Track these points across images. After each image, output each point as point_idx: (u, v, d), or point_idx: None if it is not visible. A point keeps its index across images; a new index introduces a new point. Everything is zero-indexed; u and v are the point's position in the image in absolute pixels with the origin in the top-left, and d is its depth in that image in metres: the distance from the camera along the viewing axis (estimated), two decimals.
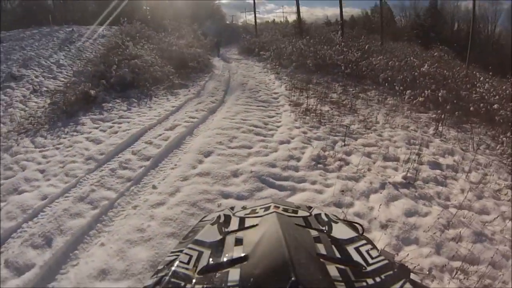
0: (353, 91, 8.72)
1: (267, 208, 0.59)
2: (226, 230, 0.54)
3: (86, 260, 2.90)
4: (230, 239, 0.50)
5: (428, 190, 4.02)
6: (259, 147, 4.70)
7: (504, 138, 6.11)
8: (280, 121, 5.94)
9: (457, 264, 2.92)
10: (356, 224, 1.36)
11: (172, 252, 0.52)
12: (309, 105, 6.77)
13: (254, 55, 15.46)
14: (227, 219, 0.59)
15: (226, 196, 3.55)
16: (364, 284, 0.41)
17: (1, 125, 6.46)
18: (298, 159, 4.41)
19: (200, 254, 0.47)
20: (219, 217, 0.61)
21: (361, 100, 8.03)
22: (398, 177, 4.15)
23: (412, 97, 7.98)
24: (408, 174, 4.17)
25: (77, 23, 16.70)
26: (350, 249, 0.49)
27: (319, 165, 4.28)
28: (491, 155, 5.63)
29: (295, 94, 7.81)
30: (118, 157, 4.54)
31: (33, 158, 4.84)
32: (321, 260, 0.43)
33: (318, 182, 3.91)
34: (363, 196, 3.73)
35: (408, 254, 2.97)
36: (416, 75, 9.08)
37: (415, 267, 2.82)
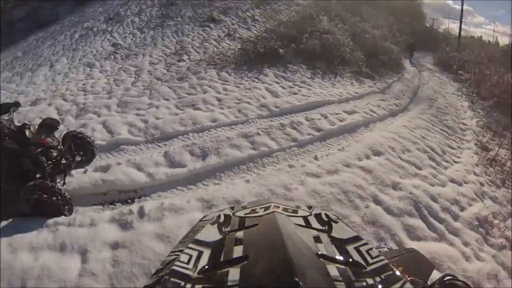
0: None
1: (267, 208, 0.62)
2: (226, 230, 0.57)
3: (228, 186, 3.39)
4: (230, 239, 0.52)
5: None
6: (428, 172, 4.48)
7: None
8: (459, 157, 5.49)
9: None
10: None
11: (172, 252, 0.55)
12: (499, 155, 5.98)
13: (450, 72, 14.23)
14: (227, 218, 0.62)
15: (377, 202, 3.52)
16: (364, 284, 0.43)
17: (196, 53, 8.08)
18: (462, 209, 4.04)
19: (200, 253, 0.50)
20: (219, 216, 0.63)
21: None
22: None
23: None
24: None
25: None
26: (350, 249, 0.51)
27: (480, 229, 3.85)
28: None
29: (486, 136, 7.07)
30: (291, 116, 4.95)
31: (214, 87, 5.81)
32: (321, 260, 0.45)
33: (470, 246, 3.54)
34: None
35: None
36: None
37: None
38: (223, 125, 4.52)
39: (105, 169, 3.68)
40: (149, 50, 8.81)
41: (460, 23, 21.53)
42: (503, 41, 27.43)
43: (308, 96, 5.74)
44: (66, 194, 3.08)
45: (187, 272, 0.46)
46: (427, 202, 3.82)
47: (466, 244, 3.54)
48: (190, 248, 0.52)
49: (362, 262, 0.48)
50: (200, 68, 6.82)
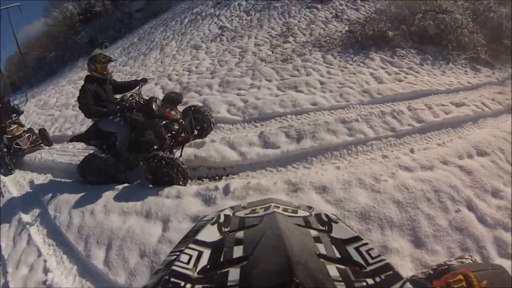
0: None
1: (267, 208, 0.61)
2: (226, 230, 0.56)
3: (318, 170, 3.40)
4: (230, 239, 0.51)
5: None
6: None
7: None
8: None
9: None
10: None
11: (172, 252, 0.54)
12: None
13: None
14: (227, 219, 0.61)
15: (470, 208, 3.12)
16: (364, 284, 0.42)
17: (302, 35, 7.95)
18: None
19: (200, 254, 0.49)
20: (219, 216, 0.62)
21: None
22: None
23: None
24: None
25: None
26: (350, 249, 0.50)
27: None
28: None
29: None
30: (393, 104, 4.68)
31: (318, 70, 5.74)
32: (321, 260, 0.44)
33: None
34: None
35: None
36: None
37: None
38: (323, 109, 4.51)
39: (199, 145, 3.99)
40: (255, 32, 9.00)
41: None
42: None
43: (414, 84, 5.27)
44: (184, 165, 3.44)
45: (187, 272, 0.45)
46: None
47: None
48: (190, 248, 0.51)
49: (362, 262, 0.48)
50: (305, 50, 6.76)
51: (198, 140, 4.10)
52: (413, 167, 3.45)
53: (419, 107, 4.59)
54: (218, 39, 9.27)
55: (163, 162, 3.30)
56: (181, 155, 3.68)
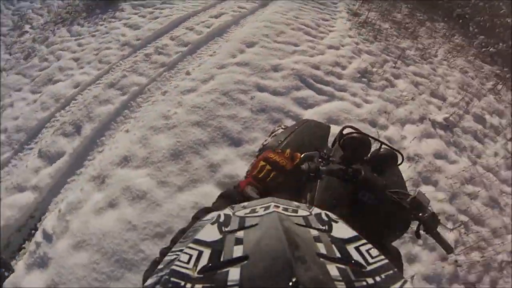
0: (420, 17, 7.98)
1: (267, 208, 0.58)
2: (226, 229, 0.52)
3: (111, 146, 2.93)
4: (230, 239, 0.48)
5: (464, 141, 4.10)
6: (306, 46, 4.39)
7: None
8: (334, 26, 5.46)
9: (463, 218, 3.16)
10: (397, 153, 1.35)
11: (172, 252, 0.51)
12: (369, 18, 6.19)
13: None
14: (227, 218, 0.57)
15: (261, 89, 3.38)
16: (364, 283, 0.41)
17: (39, 17, 6.52)
18: (344, 67, 4.23)
19: (200, 253, 0.46)
20: (219, 216, 0.58)
21: (425, 28, 7.33)
22: (439, 117, 4.17)
23: (483, 44, 7.41)
24: (450, 118, 4.19)
25: None
26: (350, 248, 0.48)
27: (363, 79, 4.15)
28: None
29: (356, 3, 7.15)
30: (155, 43, 4.31)
31: (68, 47, 4.79)
32: (321, 259, 0.42)
33: (358, 95, 3.85)
34: (399, 123, 3.74)
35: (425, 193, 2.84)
36: (497, 23, 8.12)
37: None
38: (87, 85, 3.79)
39: None
40: None
41: None
42: None
43: (171, 15, 4.99)
44: None
45: (187, 272, 0.42)
46: (311, 71, 3.81)
47: (354, 95, 3.78)
48: (190, 247, 0.47)
49: (362, 261, 0.44)
50: (47, 33, 5.54)
51: None
52: (195, 86, 3.34)
53: (181, 33, 4.37)
54: None
55: None
56: None
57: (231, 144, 2.84)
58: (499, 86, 5.93)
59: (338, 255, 0.45)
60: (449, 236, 2.94)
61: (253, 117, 3.08)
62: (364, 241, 0.51)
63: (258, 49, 3.98)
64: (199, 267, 0.43)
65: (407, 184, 3.04)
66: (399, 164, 1.45)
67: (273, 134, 1.89)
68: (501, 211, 3.50)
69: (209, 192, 2.48)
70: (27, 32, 6.04)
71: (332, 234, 0.52)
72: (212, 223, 0.56)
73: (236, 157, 2.75)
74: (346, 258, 0.45)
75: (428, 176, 3.34)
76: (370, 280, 0.41)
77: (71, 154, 3.02)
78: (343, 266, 0.42)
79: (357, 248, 0.49)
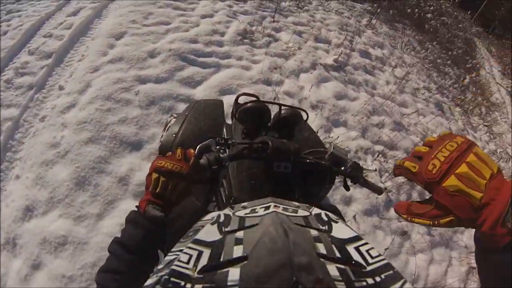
0: None
1: (267, 208, 0.60)
2: (226, 229, 0.54)
3: (6, 202, 2.50)
4: (230, 239, 0.50)
5: (357, 77, 4.30)
6: (179, 22, 4.25)
7: (430, 46, 6.98)
8: None
9: (379, 148, 3.39)
10: (301, 111, 1.31)
11: (171, 252, 0.52)
12: None
13: None
14: (227, 218, 0.59)
15: (143, 81, 3.25)
16: (364, 283, 0.42)
17: None
18: (222, 34, 4.20)
19: (200, 253, 0.47)
20: (219, 216, 0.60)
21: None
22: (329, 60, 4.29)
23: None
24: (339, 58, 4.36)
25: None
26: (350, 248, 0.50)
27: (245, 40, 4.16)
28: (416, 57, 6.29)
29: None
30: (13, 63, 3.71)
31: None
32: (321, 259, 0.43)
33: (244, 58, 3.84)
34: (293, 75, 3.78)
35: (338, 137, 3.26)
36: None
37: (345, 148, 3.09)
38: None
39: None
40: None
41: None
42: None
43: (21, 25, 4.26)
44: None
45: (187, 272, 0.43)
46: (189, 47, 3.76)
47: (240, 58, 3.82)
48: (190, 247, 0.48)
49: (362, 262, 0.46)
50: None
51: None
52: (73, 100, 3.06)
53: (39, 44, 3.82)
54: None
55: None
56: None
57: (132, 150, 2.72)
58: (373, 21, 6.45)
59: (338, 255, 0.46)
60: (375, 176, 3.18)
61: (144, 113, 2.96)
62: (364, 241, 0.52)
63: (128, 39, 3.76)
64: (199, 267, 0.44)
65: (320, 132, 3.31)
66: (306, 120, 1.39)
67: (167, 127, 1.79)
68: (407, 131, 3.87)
69: (130, 207, 2.29)
70: None
71: (332, 234, 0.53)
72: (212, 223, 0.57)
73: (142, 162, 2.66)
74: (346, 258, 0.46)
75: (337, 119, 3.50)
76: (370, 280, 0.42)
77: None
78: (343, 266, 0.43)
79: (357, 248, 0.50)
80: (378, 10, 7.04)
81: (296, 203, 0.67)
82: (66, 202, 2.38)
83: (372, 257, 0.48)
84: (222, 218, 0.60)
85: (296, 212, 0.61)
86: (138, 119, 2.91)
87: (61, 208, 2.35)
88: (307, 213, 0.61)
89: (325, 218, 0.61)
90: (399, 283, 0.43)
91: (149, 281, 0.44)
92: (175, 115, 1.99)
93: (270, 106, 1.30)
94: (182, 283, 0.41)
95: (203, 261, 0.45)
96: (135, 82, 3.20)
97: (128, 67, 3.36)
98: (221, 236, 0.52)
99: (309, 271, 0.39)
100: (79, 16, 4.36)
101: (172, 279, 0.42)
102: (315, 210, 0.64)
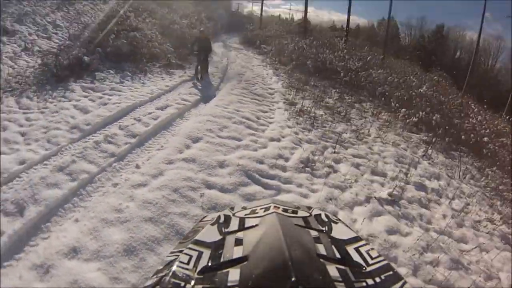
0: (349, 100, 8.78)
1: (267, 209, 0.60)
2: (226, 230, 0.55)
3: (58, 234, 2.77)
4: (230, 239, 0.50)
5: (412, 211, 4.12)
6: (249, 140, 4.67)
7: (490, 172, 6.40)
8: (273, 118, 5.94)
9: None
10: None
11: (172, 252, 0.53)
12: (304, 106, 6.79)
13: (255, 47, 15.34)
14: (227, 219, 0.60)
15: (210, 186, 3.51)
16: (364, 284, 0.42)
17: None
18: (287, 159, 4.40)
19: (200, 254, 0.48)
20: (219, 217, 0.62)
21: (355, 110, 8.07)
22: (383, 193, 4.25)
23: (406, 116, 8.13)
24: (394, 192, 4.28)
25: None
26: (350, 249, 0.50)
27: (307, 169, 4.30)
28: (475, 186, 5.77)
29: (291, 93, 7.84)
30: (105, 130, 4.47)
31: (15, 119, 4.69)
32: (321, 260, 0.44)
33: (304, 185, 3.93)
34: (348, 207, 3.78)
35: None
36: (413, 95, 9.24)
37: None
38: (34, 164, 3.72)
39: None
40: None
41: (262, 5, 24.04)
42: (298, 16, 31.66)
43: (119, 103, 5.29)
44: None
45: (187, 272, 0.43)
46: (255, 167, 4.02)
47: (300, 185, 3.94)
48: (190, 248, 0.49)
49: (362, 262, 0.47)
50: None
51: None
52: (145, 181, 3.46)
53: (129, 123, 4.64)
54: None
55: None
56: None
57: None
58: (429, 151, 6.30)
59: (338, 256, 0.46)
60: None
61: (204, 215, 3.10)
62: (364, 242, 0.53)
63: (203, 144, 4.29)
64: (199, 268, 0.44)
65: None
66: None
67: None
68: (466, 270, 3.43)
69: None
70: None
71: (332, 235, 0.53)
72: (212, 224, 0.58)
73: None
74: (346, 259, 0.46)
75: (386, 254, 3.27)
76: (370, 281, 0.42)
77: (10, 235, 2.80)
78: (343, 267, 0.43)
79: (357, 249, 0.50)
80: (434, 140, 6.91)
81: (296, 204, 0.66)
82: (110, 261, 2.54)
83: (372, 258, 0.48)
84: (222, 219, 0.60)
85: (296, 213, 0.60)
86: (198, 218, 2.90)
87: (103, 264, 2.51)
88: (307, 214, 0.61)
89: (325, 219, 0.61)
90: (399, 284, 0.43)
91: (149, 282, 0.45)
92: None
93: None
94: (183, 284, 0.41)
95: (203, 261, 0.46)
96: (202, 185, 3.48)
97: (199, 169, 3.75)
98: (221, 237, 0.52)
99: (308, 271, 0.39)
100: (165, 112, 5.25)
101: (172, 279, 0.43)
102: (315, 211, 0.64)
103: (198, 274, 0.44)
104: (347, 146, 5.53)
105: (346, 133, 6.10)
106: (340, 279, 0.41)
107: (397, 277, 0.46)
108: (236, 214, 0.63)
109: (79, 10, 11.08)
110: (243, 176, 3.79)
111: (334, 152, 5.08)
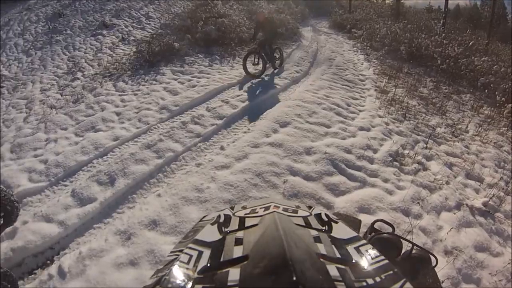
0: (446, 90, 8.06)
1: (267, 208, 0.61)
2: (226, 229, 0.55)
3: (141, 206, 3.03)
4: (230, 239, 0.51)
5: (507, 228, 3.72)
6: (338, 128, 4.54)
7: None
8: (363, 106, 5.67)
9: None
10: (431, 255, 1.26)
11: (172, 252, 0.53)
12: (396, 95, 6.40)
13: (345, 32, 14.89)
14: (227, 218, 0.61)
15: (294, 173, 3.44)
16: (364, 284, 0.42)
17: (90, 68, 7.28)
18: (375, 151, 4.24)
19: (200, 253, 0.48)
20: (219, 216, 0.62)
21: (453, 102, 7.36)
22: (477, 201, 3.84)
23: None
24: (490, 202, 3.84)
25: None
26: (350, 249, 0.50)
27: (395, 163, 4.11)
28: None
29: (383, 80, 7.46)
30: (192, 111, 4.64)
31: (112, 101, 5.24)
32: (321, 259, 0.44)
33: (390, 181, 3.75)
34: (434, 211, 3.52)
35: None
36: None
37: None
38: (125, 140, 4.07)
39: (11, 235, 3.07)
40: (39, 75, 7.58)
41: None
42: None
43: (207, 85, 5.43)
44: (3, 269, 2.49)
45: (187, 272, 0.43)
46: (343, 156, 3.89)
47: (386, 180, 3.74)
48: (190, 248, 0.50)
49: (362, 262, 0.47)
50: (95, 84, 6.12)
51: (7, 230, 3.06)
52: (228, 163, 3.47)
53: (217, 105, 4.71)
54: None
55: None
56: None
57: None
58: None
59: (338, 255, 0.47)
60: None
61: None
62: (364, 241, 0.53)
63: (291, 129, 4.19)
64: (199, 268, 0.45)
65: (445, 284, 2.93)
66: (434, 267, 1.45)
67: None
68: None
69: None
70: (78, 78, 6.68)
71: (332, 234, 0.54)
72: (212, 224, 0.59)
73: None
74: (346, 259, 0.47)
75: (470, 274, 3.05)
76: (370, 281, 0.43)
77: (101, 202, 3.19)
78: (343, 267, 0.44)
79: (357, 249, 0.51)
80: None
81: (296, 203, 0.68)
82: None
83: (372, 258, 0.49)
84: (222, 219, 0.61)
85: (296, 212, 0.62)
86: None
87: (178, 239, 2.53)
88: (307, 213, 0.62)
89: (325, 218, 0.62)
90: (400, 283, 0.44)
91: (149, 282, 0.45)
92: None
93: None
94: (183, 283, 0.42)
95: (204, 261, 0.46)
96: (286, 171, 3.41)
97: (284, 155, 3.66)
98: (221, 236, 0.52)
99: (309, 271, 0.39)
100: None
101: (172, 279, 0.43)
102: (315, 210, 0.65)
103: (198, 273, 0.43)
104: (440, 142, 5.11)
105: (440, 127, 5.65)
106: (340, 279, 0.40)
107: (398, 277, 0.45)
108: (236, 214, 0.63)
109: (169, 2, 12.10)
110: (328, 165, 3.66)
111: (426, 148, 4.73)
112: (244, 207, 0.66)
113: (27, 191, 3.53)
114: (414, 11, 22.61)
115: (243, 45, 8.37)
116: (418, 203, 3.58)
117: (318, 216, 0.61)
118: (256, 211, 0.61)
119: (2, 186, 3.23)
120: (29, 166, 3.93)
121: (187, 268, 0.45)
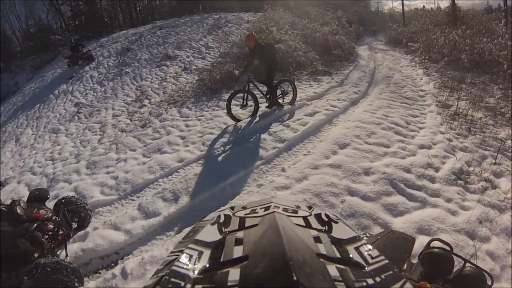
0: None
1: (267, 208, 0.62)
2: (226, 230, 0.57)
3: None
4: (230, 239, 0.52)
5: None
6: (397, 147, 4.56)
7: None
8: (424, 122, 5.61)
9: None
10: (487, 274, 1.27)
11: (172, 252, 0.56)
12: (459, 108, 6.17)
13: (401, 46, 14.77)
14: (227, 219, 0.62)
15: (352, 193, 3.54)
16: (364, 284, 0.43)
17: (156, 95, 8.15)
18: (437, 169, 4.14)
19: (200, 254, 0.50)
20: (219, 217, 0.64)
21: None
22: None
23: None
24: None
25: (223, 10, 19.67)
26: (350, 249, 0.51)
27: (459, 181, 3.96)
28: None
29: (444, 94, 7.24)
30: (255, 134, 4.99)
31: (177, 126, 5.83)
32: (321, 260, 0.45)
33: (454, 201, 3.63)
34: (505, 234, 3.31)
35: None
36: None
37: None
38: (190, 162, 4.53)
39: (83, 237, 3.62)
40: (111, 102, 8.82)
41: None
42: (444, 4, 28.11)
43: (267, 111, 5.80)
44: (73, 265, 2.97)
45: (187, 272, 0.46)
46: (402, 176, 3.88)
47: (449, 200, 3.63)
48: (190, 248, 0.52)
49: (362, 262, 0.49)
50: (161, 110, 6.87)
51: (80, 233, 3.67)
52: (289, 184, 3.67)
53: (278, 129, 5.01)
54: (76, 117, 8.66)
55: (49, 269, 2.76)
56: (66, 255, 3.21)
57: None
58: None
59: (338, 255, 0.48)
60: None
61: (342, 220, 3.25)
62: (364, 241, 0.55)
63: (350, 150, 4.31)
64: (199, 268, 0.46)
65: None
66: (490, 287, 1.34)
67: None
68: None
69: None
70: (145, 105, 7.56)
71: (332, 234, 0.55)
72: (212, 224, 0.61)
73: None
74: (346, 259, 0.48)
75: None
76: (370, 281, 0.44)
77: (165, 217, 3.61)
78: (343, 267, 0.45)
79: (357, 249, 0.52)
80: None
81: (296, 203, 0.68)
82: None
83: (372, 258, 0.50)
84: (222, 219, 0.62)
85: (296, 212, 0.62)
86: None
87: None
88: (307, 213, 0.62)
89: (325, 219, 0.62)
90: (400, 283, 0.44)
91: (149, 282, 0.47)
92: (368, 235, 2.08)
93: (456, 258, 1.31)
94: (183, 284, 0.43)
95: (204, 261, 0.47)
96: (344, 191, 3.52)
97: (343, 175, 3.78)
98: (221, 237, 0.54)
99: (308, 271, 0.40)
100: (313, 118, 5.44)
101: (172, 279, 0.44)
102: (315, 210, 0.65)
103: (198, 273, 0.45)
104: None
105: (511, 140, 5.31)
106: (340, 279, 0.42)
107: (398, 277, 0.46)
108: (236, 214, 0.64)
109: (226, 32, 13.17)
110: (387, 185, 3.70)
111: (495, 163, 4.49)
112: (244, 207, 0.68)
113: (99, 202, 4.16)
114: (472, 14, 21.20)
115: (301, 69, 8.76)
116: (486, 224, 3.41)
117: (318, 216, 0.63)
118: (256, 211, 0.63)
119: (78, 196, 3.83)
120: (101, 181, 4.57)
121: (187, 268, 0.47)
